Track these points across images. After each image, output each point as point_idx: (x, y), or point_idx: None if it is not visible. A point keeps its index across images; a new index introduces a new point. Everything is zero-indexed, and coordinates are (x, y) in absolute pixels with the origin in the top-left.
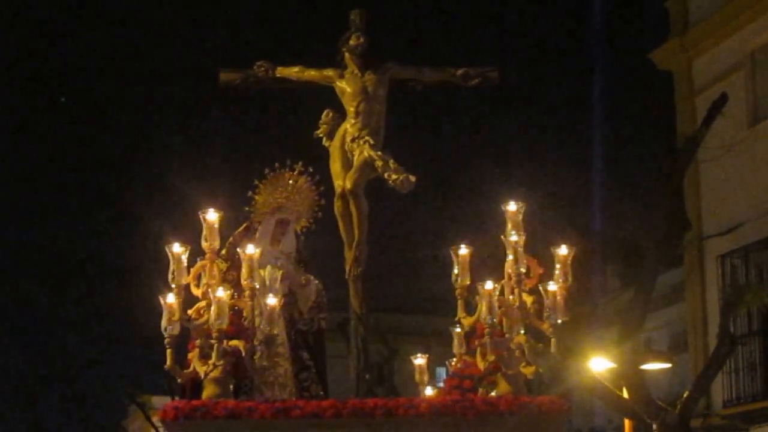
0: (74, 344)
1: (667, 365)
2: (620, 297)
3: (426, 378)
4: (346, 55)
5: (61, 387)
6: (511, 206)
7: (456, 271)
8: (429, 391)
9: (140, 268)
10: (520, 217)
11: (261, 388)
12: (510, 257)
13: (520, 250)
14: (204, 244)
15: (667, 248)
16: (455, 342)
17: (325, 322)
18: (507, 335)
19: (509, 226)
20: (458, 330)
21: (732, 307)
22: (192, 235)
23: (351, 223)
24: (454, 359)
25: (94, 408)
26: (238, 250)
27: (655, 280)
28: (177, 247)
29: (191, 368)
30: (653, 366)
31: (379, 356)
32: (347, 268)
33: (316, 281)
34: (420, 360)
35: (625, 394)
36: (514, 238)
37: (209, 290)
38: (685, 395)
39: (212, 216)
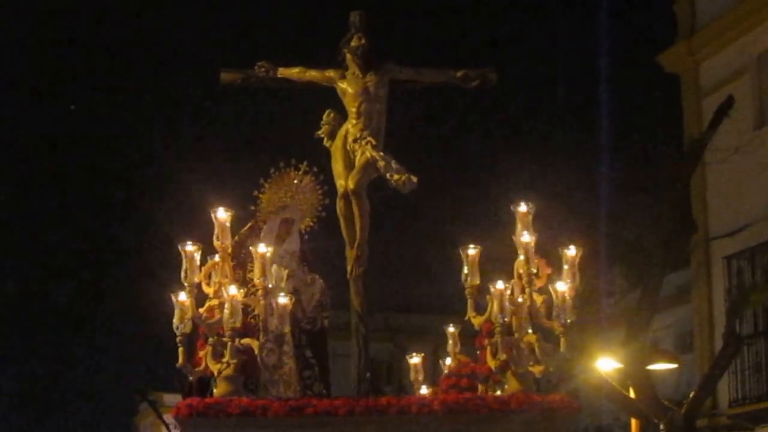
0: (85, 342)
1: (674, 365)
2: (627, 298)
3: (422, 377)
4: (347, 56)
5: (72, 384)
6: (522, 207)
7: (465, 270)
8: (424, 390)
9: (152, 266)
10: (531, 217)
11: (266, 386)
12: (521, 257)
13: (532, 250)
14: (216, 243)
15: (674, 249)
16: (449, 341)
17: (327, 321)
18: (516, 334)
19: (519, 226)
20: (452, 329)
21: (738, 308)
22: (199, 233)
23: (353, 223)
24: (449, 358)
25: (105, 405)
26: (251, 248)
27: (661, 281)
28: (190, 246)
29: (203, 366)
30: (660, 366)
31: (388, 355)
32: (349, 268)
33: (321, 280)
34: (416, 359)
35: (632, 394)
36: (525, 238)
37: (222, 288)
38: (691, 395)
39: (223, 215)
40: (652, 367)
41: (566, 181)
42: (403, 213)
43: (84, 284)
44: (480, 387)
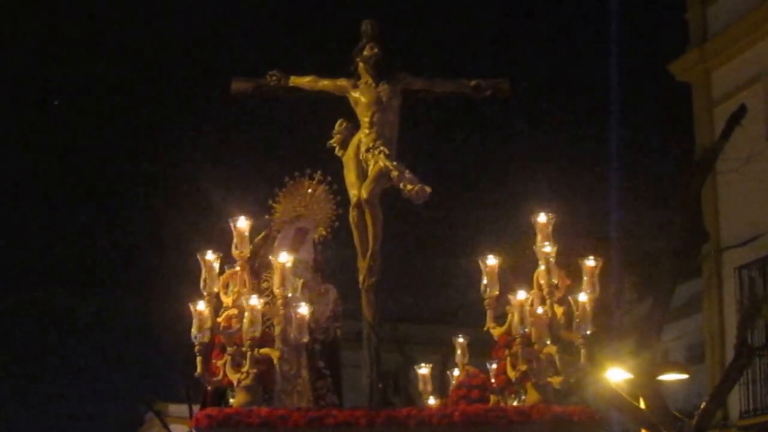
0: (91, 351)
1: (684, 376)
2: (637, 308)
3: (429, 388)
4: (360, 65)
5: (78, 394)
6: (541, 217)
7: (484, 281)
8: (431, 401)
9: (158, 276)
10: (551, 228)
11: (280, 396)
12: (542, 267)
13: (552, 260)
14: (235, 252)
15: (685, 259)
16: (458, 352)
17: (340, 331)
18: (535, 345)
19: (539, 237)
20: (461, 340)
21: (750, 319)
22: (213, 242)
23: (365, 233)
24: (456, 369)
25: (111, 415)
26: (270, 258)
27: (672, 291)
28: (210, 255)
29: (219, 375)
30: (670, 377)
31: (395, 365)
32: (361, 278)
33: (334, 290)
34: (424, 370)
35: (642, 405)
36: (547, 248)
37: (241, 298)
38: (702, 406)
39: (242, 224)
40: (662, 377)
41: (576, 191)
42: (413, 222)
43: (90, 292)
44: (492, 398)
